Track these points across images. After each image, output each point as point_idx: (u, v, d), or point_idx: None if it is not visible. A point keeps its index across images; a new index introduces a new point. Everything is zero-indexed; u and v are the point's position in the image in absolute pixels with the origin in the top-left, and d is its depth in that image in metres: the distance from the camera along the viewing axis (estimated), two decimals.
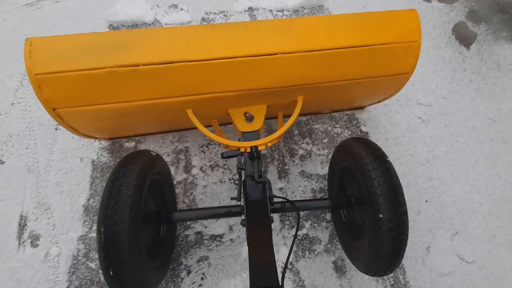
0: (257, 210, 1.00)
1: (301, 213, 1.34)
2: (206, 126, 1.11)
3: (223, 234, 1.29)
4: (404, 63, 1.11)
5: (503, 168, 1.48)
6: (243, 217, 1.04)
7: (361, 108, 1.59)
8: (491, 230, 1.34)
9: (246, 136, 1.12)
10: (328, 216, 1.34)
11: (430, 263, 1.27)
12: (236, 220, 1.31)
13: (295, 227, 1.29)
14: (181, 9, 1.92)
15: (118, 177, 0.89)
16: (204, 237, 1.28)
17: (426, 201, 1.39)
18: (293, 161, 1.45)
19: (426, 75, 1.73)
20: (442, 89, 1.69)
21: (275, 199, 1.05)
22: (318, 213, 1.35)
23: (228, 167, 1.43)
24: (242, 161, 1.04)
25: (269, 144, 1.13)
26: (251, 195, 1.03)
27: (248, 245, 0.93)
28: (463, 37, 1.88)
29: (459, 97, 1.67)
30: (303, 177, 1.42)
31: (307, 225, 1.32)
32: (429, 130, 1.56)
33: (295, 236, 0.96)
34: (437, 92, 1.67)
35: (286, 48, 1.00)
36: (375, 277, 1.23)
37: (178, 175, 1.39)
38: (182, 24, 1.87)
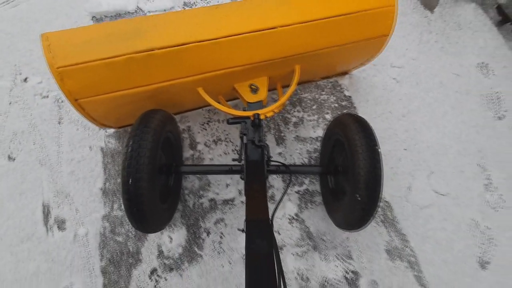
0: (255, 168, 1.11)
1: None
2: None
3: (234, 198, 1.44)
4: (384, 26, 1.25)
5: (467, 116, 1.71)
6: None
7: (347, 73, 1.75)
8: (460, 167, 1.58)
9: (251, 106, 1.23)
10: None
11: (412, 199, 1.49)
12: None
13: (292, 184, 1.47)
14: None
15: (138, 133, 0.98)
16: (218, 203, 1.43)
17: (405, 149, 1.60)
18: (288, 128, 1.60)
19: (397, 40, 1.90)
20: (411, 51, 1.87)
21: (273, 163, 1.18)
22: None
23: (230, 140, 1.56)
24: (245, 128, 1.16)
25: (277, 111, 1.24)
26: (251, 156, 1.14)
27: (245, 194, 1.06)
28: (427, 2, 2.05)
29: (426, 57, 1.86)
30: (298, 141, 1.58)
31: (306, 181, 1.50)
32: (403, 89, 1.76)
33: (285, 190, 1.15)
34: (408, 55, 1.86)
35: (286, 21, 1.11)
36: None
37: (185, 152, 1.51)
38: (165, 10, 1.92)
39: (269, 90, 1.33)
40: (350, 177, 1.06)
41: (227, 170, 1.22)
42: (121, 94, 1.08)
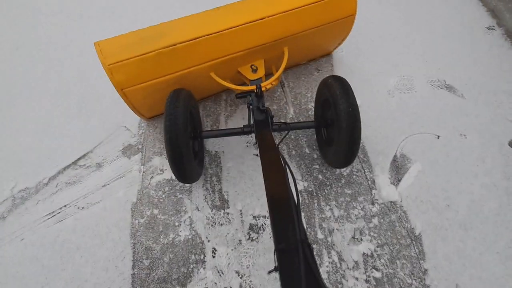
0: (262, 126, 1.37)
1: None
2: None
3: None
4: (349, 7, 1.61)
5: None
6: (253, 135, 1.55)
7: (329, 53, 2.07)
8: None
9: (253, 82, 1.54)
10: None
11: None
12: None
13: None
14: None
15: (171, 111, 1.26)
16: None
17: None
18: None
19: None
20: None
21: (275, 122, 1.45)
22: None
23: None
24: (251, 99, 1.46)
25: (274, 83, 1.53)
26: (258, 117, 1.42)
27: (258, 147, 1.27)
28: None
29: None
30: None
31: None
32: None
33: (282, 139, 1.53)
34: None
35: (271, 12, 1.46)
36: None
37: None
38: None
39: (266, 75, 1.61)
40: (336, 127, 1.33)
41: (240, 131, 1.49)
42: (154, 82, 1.42)
